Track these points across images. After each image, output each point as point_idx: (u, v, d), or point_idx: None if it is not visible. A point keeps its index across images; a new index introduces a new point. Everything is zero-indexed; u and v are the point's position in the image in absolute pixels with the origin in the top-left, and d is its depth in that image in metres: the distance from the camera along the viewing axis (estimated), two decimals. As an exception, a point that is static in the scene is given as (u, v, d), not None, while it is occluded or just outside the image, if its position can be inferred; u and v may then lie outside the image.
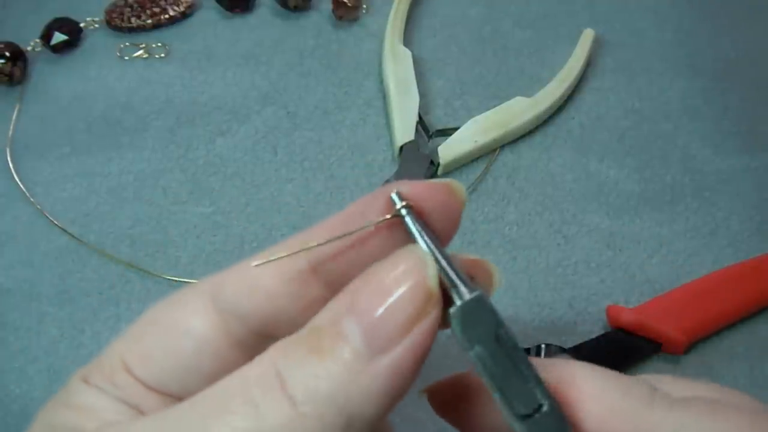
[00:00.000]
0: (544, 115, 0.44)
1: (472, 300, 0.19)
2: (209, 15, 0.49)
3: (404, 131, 0.42)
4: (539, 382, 0.19)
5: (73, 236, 0.40)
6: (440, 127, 0.44)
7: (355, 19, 0.49)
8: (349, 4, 0.47)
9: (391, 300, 0.18)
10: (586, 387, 0.20)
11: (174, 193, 0.42)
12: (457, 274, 0.20)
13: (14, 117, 0.44)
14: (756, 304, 0.38)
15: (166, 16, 0.48)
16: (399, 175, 0.41)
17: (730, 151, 0.44)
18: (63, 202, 0.41)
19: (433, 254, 0.19)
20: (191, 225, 0.40)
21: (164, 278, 0.38)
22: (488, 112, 0.43)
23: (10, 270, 0.39)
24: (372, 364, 0.18)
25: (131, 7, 0.48)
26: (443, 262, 0.20)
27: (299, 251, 0.20)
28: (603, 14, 0.49)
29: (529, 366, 0.19)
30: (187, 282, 0.38)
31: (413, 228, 0.20)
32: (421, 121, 0.43)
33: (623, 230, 0.41)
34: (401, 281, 0.18)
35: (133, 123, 0.44)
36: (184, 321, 0.21)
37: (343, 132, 0.44)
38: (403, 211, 0.20)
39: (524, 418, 0.19)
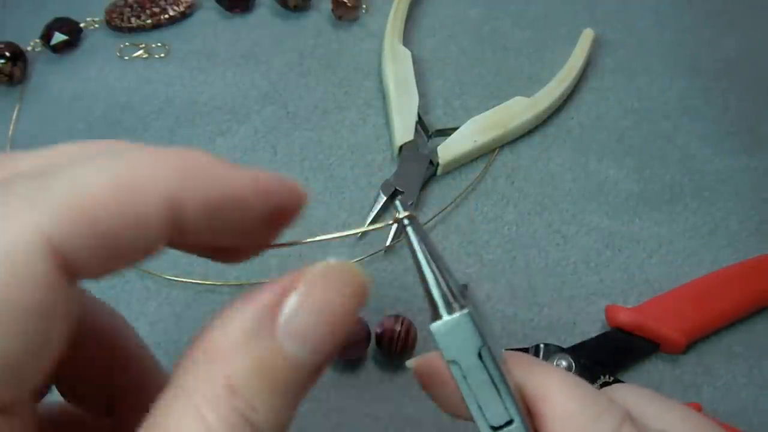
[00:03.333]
0: (544, 115, 0.44)
1: (455, 319, 0.19)
2: (209, 15, 0.49)
3: (404, 131, 0.42)
4: (513, 399, 0.20)
5: (73, 236, 0.40)
6: (440, 126, 0.44)
7: (354, 19, 0.49)
8: (348, 4, 0.48)
9: (341, 323, 0.18)
10: (560, 405, 0.20)
11: (174, 193, 0.42)
12: (447, 289, 0.20)
13: (14, 117, 0.44)
14: (754, 304, 0.38)
15: (166, 16, 0.48)
16: (399, 175, 0.41)
17: (729, 151, 0.44)
18: (63, 201, 0.41)
19: (428, 266, 0.20)
20: (191, 225, 0.40)
21: (164, 278, 0.38)
22: (487, 112, 0.43)
23: (11, 270, 0.39)
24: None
25: (131, 7, 0.48)
26: (435, 275, 0.20)
27: (292, 244, 0.20)
28: (603, 14, 0.50)
29: (506, 383, 0.20)
30: (187, 282, 0.38)
31: (413, 238, 0.20)
32: (420, 121, 0.43)
33: (622, 230, 0.41)
34: (339, 301, 0.18)
35: (133, 123, 0.44)
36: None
37: (342, 132, 0.44)
38: (406, 221, 0.20)
39: (494, 429, 0.20)
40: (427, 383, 0.23)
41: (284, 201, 0.20)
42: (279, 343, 0.17)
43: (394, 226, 0.20)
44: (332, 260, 0.18)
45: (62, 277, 0.15)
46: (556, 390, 0.20)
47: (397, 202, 0.20)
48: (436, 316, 0.20)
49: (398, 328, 0.35)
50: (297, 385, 0.17)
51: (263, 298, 0.18)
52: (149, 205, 0.16)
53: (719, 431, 0.21)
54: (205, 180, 0.18)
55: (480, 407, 0.20)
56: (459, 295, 0.20)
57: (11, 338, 0.15)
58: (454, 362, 0.20)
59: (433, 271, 0.20)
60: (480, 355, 0.20)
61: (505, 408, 0.20)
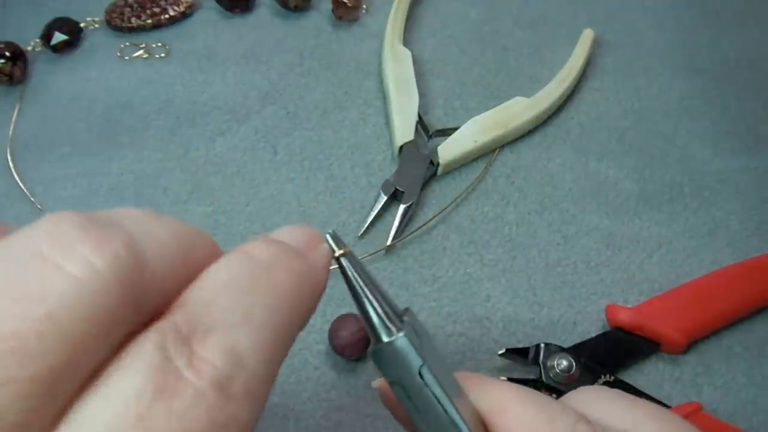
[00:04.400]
0: (544, 115, 0.44)
1: (392, 342, 0.20)
2: (209, 15, 0.49)
3: (404, 131, 0.42)
4: (458, 414, 0.20)
5: (73, 236, 0.40)
6: (440, 127, 0.44)
7: (355, 19, 0.49)
8: (349, 4, 0.48)
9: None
10: (515, 415, 0.21)
11: (174, 193, 0.42)
12: (384, 314, 0.20)
13: (14, 117, 0.44)
14: (755, 304, 0.38)
15: (166, 16, 0.48)
16: (399, 175, 0.41)
17: (729, 151, 0.44)
18: (63, 201, 0.41)
19: (364, 295, 0.21)
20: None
21: (164, 278, 0.38)
22: (488, 112, 0.43)
23: (11, 270, 0.39)
24: None
25: (131, 7, 0.48)
26: (371, 302, 0.21)
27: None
28: (602, 14, 0.50)
29: (449, 399, 0.20)
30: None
31: (349, 271, 0.21)
32: (420, 121, 0.43)
33: (622, 230, 0.41)
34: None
35: (134, 123, 0.44)
36: None
37: (343, 132, 0.44)
38: (342, 260, 0.21)
39: None
40: (389, 403, 0.23)
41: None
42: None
43: (332, 263, 0.21)
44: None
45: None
46: (511, 401, 0.21)
47: (328, 238, 0.21)
48: (375, 340, 0.20)
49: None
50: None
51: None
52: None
53: (687, 428, 0.22)
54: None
55: (427, 425, 0.21)
56: (395, 318, 0.20)
57: None
58: (396, 383, 0.20)
59: (369, 299, 0.21)
60: (421, 375, 0.20)
61: (452, 422, 0.20)
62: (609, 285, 0.39)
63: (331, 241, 0.21)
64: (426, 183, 0.42)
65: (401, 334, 0.20)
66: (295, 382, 0.36)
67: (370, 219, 0.40)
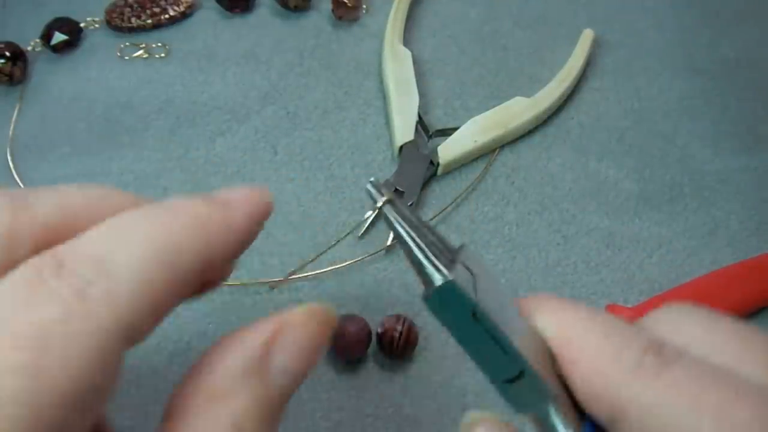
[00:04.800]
0: (544, 115, 0.44)
1: (442, 286, 0.20)
2: (209, 15, 0.49)
3: (404, 131, 0.42)
4: (518, 352, 0.19)
5: (73, 236, 0.40)
6: (440, 127, 0.44)
7: (355, 19, 0.49)
8: (349, 4, 0.48)
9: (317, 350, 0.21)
10: (578, 346, 0.19)
11: (174, 193, 0.41)
12: (431, 259, 0.20)
13: (14, 117, 0.44)
14: (755, 304, 0.38)
15: (166, 16, 0.48)
16: (399, 175, 0.41)
17: (729, 151, 0.44)
18: (63, 201, 0.41)
19: (413, 240, 0.20)
20: (191, 225, 0.40)
21: (164, 278, 0.38)
22: (488, 112, 0.43)
23: (11, 270, 0.39)
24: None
25: (131, 7, 0.48)
26: (419, 248, 0.20)
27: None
28: (602, 14, 0.50)
29: (509, 339, 0.19)
30: (187, 282, 0.38)
31: (392, 218, 0.21)
32: (420, 121, 0.43)
33: (622, 230, 0.41)
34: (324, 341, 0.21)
35: (134, 123, 0.44)
36: None
37: (343, 132, 0.44)
38: (385, 209, 0.21)
39: (505, 382, 0.20)
40: None
41: (264, 215, 0.23)
42: (272, 379, 0.19)
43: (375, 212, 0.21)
44: (311, 304, 0.21)
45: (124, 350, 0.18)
46: (577, 332, 0.20)
47: (369, 187, 0.21)
48: (426, 286, 0.20)
49: (399, 328, 0.35)
50: (281, 409, 0.20)
51: (255, 339, 0.20)
52: (192, 272, 0.19)
53: None
54: (222, 234, 0.21)
55: (484, 365, 0.20)
56: (445, 261, 0.20)
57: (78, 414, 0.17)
58: (451, 327, 0.20)
59: (414, 246, 0.20)
60: (474, 316, 0.19)
61: (513, 362, 0.19)
62: (609, 285, 0.39)
63: (372, 190, 0.21)
64: (426, 183, 0.42)
65: (450, 277, 0.19)
66: (295, 382, 0.36)
67: (370, 219, 0.40)
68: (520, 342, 0.20)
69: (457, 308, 0.20)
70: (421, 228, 0.20)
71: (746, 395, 0.17)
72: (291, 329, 0.20)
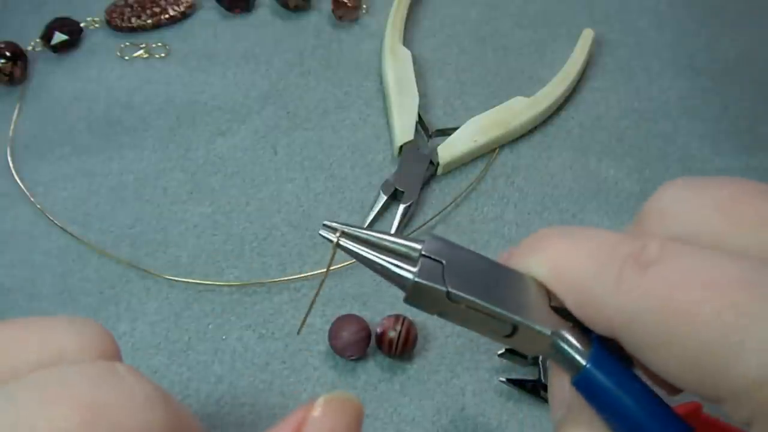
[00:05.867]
0: (544, 114, 0.44)
1: (411, 287, 0.21)
2: (209, 15, 0.49)
3: (404, 131, 0.42)
4: (504, 314, 0.21)
5: (73, 236, 0.40)
6: (440, 126, 0.44)
7: (355, 19, 0.49)
8: (349, 4, 0.48)
9: None
10: (567, 277, 0.20)
11: (174, 193, 0.42)
12: (394, 270, 0.22)
13: (14, 117, 0.44)
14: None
15: (166, 16, 0.48)
16: (399, 175, 0.41)
17: (729, 150, 0.44)
18: (63, 202, 0.41)
19: (375, 257, 0.22)
20: (191, 225, 0.40)
21: (164, 278, 0.39)
22: (488, 112, 0.43)
23: (11, 269, 0.39)
24: None
25: (131, 7, 0.48)
26: (383, 262, 0.22)
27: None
28: (603, 14, 0.50)
29: (488, 307, 0.21)
30: (187, 282, 0.38)
31: (351, 247, 0.22)
32: (420, 121, 0.43)
33: (622, 230, 0.41)
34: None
35: (134, 123, 0.44)
36: None
37: (343, 132, 0.44)
38: (340, 242, 0.22)
39: (507, 336, 0.21)
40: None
41: None
42: None
43: (332, 250, 0.23)
44: (334, 393, 0.21)
45: None
46: (565, 263, 0.20)
47: (322, 233, 0.22)
48: (403, 290, 0.22)
49: (398, 328, 0.35)
50: None
51: None
52: None
53: None
54: None
55: (483, 330, 0.22)
56: (408, 263, 0.22)
57: None
58: (439, 314, 0.22)
59: (377, 264, 0.22)
60: (450, 298, 0.21)
61: (503, 322, 0.21)
62: (609, 285, 0.39)
63: (325, 233, 0.22)
64: (426, 183, 0.42)
65: (414, 277, 0.21)
66: (295, 382, 0.36)
67: (369, 219, 0.40)
68: (505, 301, 0.21)
69: (433, 299, 0.21)
70: (380, 243, 0.22)
71: (717, 286, 0.17)
72: (316, 422, 0.20)
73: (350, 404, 0.21)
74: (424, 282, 0.21)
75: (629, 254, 0.18)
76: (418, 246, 0.22)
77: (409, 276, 0.21)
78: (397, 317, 0.36)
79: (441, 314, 0.22)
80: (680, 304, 0.17)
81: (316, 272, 0.39)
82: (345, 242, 0.22)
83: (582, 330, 0.21)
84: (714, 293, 0.17)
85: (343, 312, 0.37)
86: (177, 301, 0.38)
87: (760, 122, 0.45)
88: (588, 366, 0.20)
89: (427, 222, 0.40)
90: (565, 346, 0.21)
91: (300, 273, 0.39)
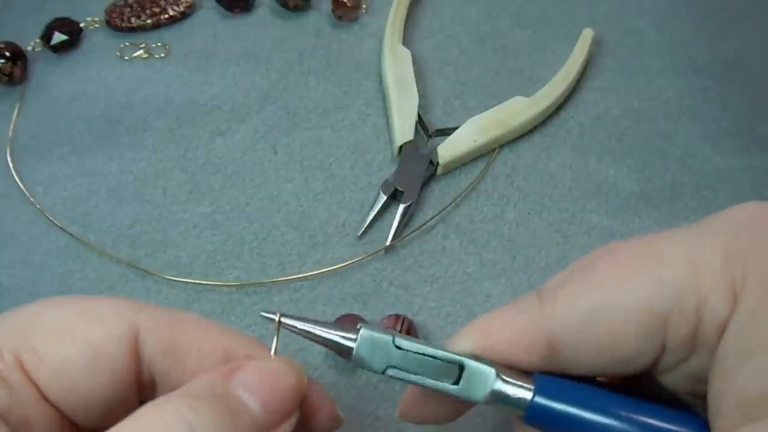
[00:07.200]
0: (544, 114, 0.44)
1: (360, 338, 0.23)
2: (209, 15, 0.49)
3: (404, 131, 0.42)
4: (450, 352, 0.23)
5: (73, 236, 0.40)
6: (440, 126, 0.44)
7: (354, 19, 0.49)
8: (348, 4, 0.48)
9: (285, 387, 0.22)
10: (493, 330, 0.24)
11: (174, 193, 0.42)
12: (340, 334, 0.24)
13: (14, 117, 0.44)
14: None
15: (166, 16, 0.48)
16: (398, 175, 0.41)
17: (729, 150, 0.44)
18: (63, 201, 0.41)
19: (319, 329, 0.24)
20: (191, 225, 0.40)
21: (164, 278, 0.39)
22: (487, 112, 0.43)
23: (11, 269, 0.39)
24: None
25: (131, 7, 0.48)
26: (325, 333, 0.24)
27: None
28: (602, 14, 0.50)
29: (435, 349, 0.23)
30: (187, 282, 0.38)
31: (295, 323, 0.24)
32: (420, 121, 0.43)
33: (622, 229, 0.41)
34: (292, 378, 0.22)
35: (133, 123, 0.44)
36: (90, 330, 0.22)
37: (342, 132, 0.44)
38: (284, 321, 0.24)
39: (457, 383, 0.23)
40: (415, 418, 0.27)
41: None
42: (233, 389, 0.21)
43: (276, 332, 0.25)
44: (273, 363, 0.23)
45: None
46: (493, 324, 0.24)
47: (264, 314, 0.24)
48: (348, 353, 0.24)
49: (398, 328, 0.35)
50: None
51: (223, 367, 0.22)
52: None
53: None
54: None
55: (435, 379, 0.23)
56: (350, 330, 0.24)
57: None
58: (387, 368, 0.23)
59: (321, 333, 0.24)
60: (397, 346, 0.23)
61: (449, 362, 0.23)
62: (609, 285, 0.39)
63: (266, 314, 0.24)
64: (426, 183, 0.42)
65: (361, 331, 0.23)
66: (294, 382, 0.36)
67: (369, 219, 0.40)
68: (447, 350, 0.23)
69: (381, 351, 0.23)
70: (317, 320, 0.24)
71: None
72: (252, 363, 0.22)
73: (285, 378, 0.22)
74: (372, 331, 0.23)
75: (535, 293, 0.24)
76: (353, 336, 0.24)
77: (355, 336, 0.23)
78: (397, 317, 0.36)
79: (389, 368, 0.23)
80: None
81: (315, 272, 0.39)
82: (288, 320, 0.24)
83: (520, 372, 0.23)
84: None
85: (343, 312, 0.37)
86: (177, 301, 0.38)
87: (760, 121, 0.45)
88: (535, 396, 0.23)
89: (427, 222, 0.40)
90: (509, 386, 0.23)
91: (299, 273, 0.39)
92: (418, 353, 0.23)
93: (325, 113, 0.45)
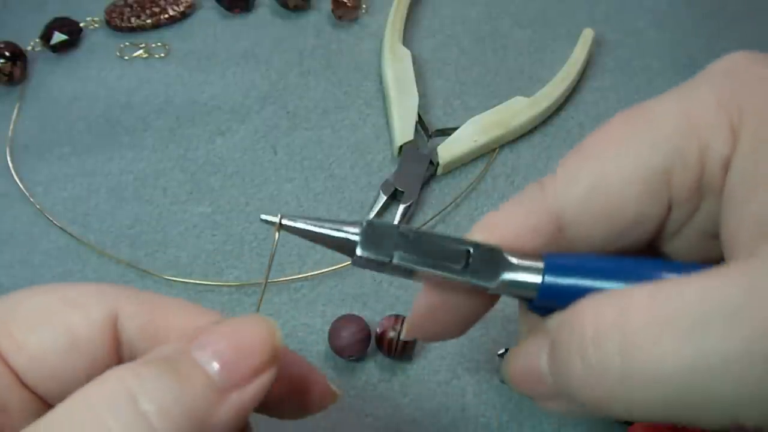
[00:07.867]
0: (544, 114, 0.44)
1: (364, 229, 0.22)
2: (209, 15, 0.49)
3: (404, 131, 0.42)
4: (458, 237, 0.22)
5: (73, 236, 0.40)
6: (440, 126, 0.44)
7: (354, 19, 0.49)
8: (348, 4, 0.48)
9: (251, 343, 0.20)
10: (499, 222, 0.23)
11: (174, 193, 0.42)
12: (343, 228, 0.22)
13: (14, 117, 0.44)
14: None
15: (166, 16, 0.48)
16: (399, 175, 0.41)
17: (729, 150, 0.44)
18: (63, 202, 0.41)
19: (321, 227, 0.22)
20: (191, 225, 0.40)
21: (164, 278, 0.38)
22: (487, 112, 0.43)
23: (10, 270, 0.39)
24: (226, 395, 0.19)
25: (131, 7, 0.48)
26: (329, 228, 0.22)
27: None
28: (602, 14, 0.50)
29: (441, 234, 0.22)
30: (187, 282, 0.38)
31: (295, 223, 0.22)
32: (420, 121, 0.43)
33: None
34: (259, 334, 0.20)
35: (133, 123, 0.44)
36: (68, 315, 0.21)
37: (342, 132, 0.44)
38: (285, 224, 0.23)
39: (464, 270, 0.22)
40: (422, 335, 0.26)
41: None
42: (191, 351, 0.19)
43: (277, 236, 0.23)
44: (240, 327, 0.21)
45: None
46: (497, 226, 0.24)
47: (263, 218, 0.23)
48: (353, 247, 0.22)
49: (398, 328, 0.35)
50: (206, 402, 0.19)
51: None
52: None
53: None
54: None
55: (444, 265, 0.22)
56: (349, 225, 0.22)
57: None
58: (394, 258, 0.22)
59: (323, 233, 0.22)
60: (402, 235, 0.22)
61: (456, 248, 0.22)
62: (609, 285, 0.39)
63: (266, 217, 0.23)
64: (426, 183, 0.42)
65: (365, 222, 0.22)
66: (294, 382, 0.36)
67: (370, 218, 0.40)
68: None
69: (386, 240, 0.22)
70: (319, 219, 0.22)
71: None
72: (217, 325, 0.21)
73: (251, 334, 0.21)
74: (375, 221, 0.22)
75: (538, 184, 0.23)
76: (356, 230, 0.22)
77: (358, 229, 0.22)
78: (396, 317, 0.36)
79: (392, 262, 0.22)
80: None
81: (315, 272, 0.39)
82: (288, 220, 0.22)
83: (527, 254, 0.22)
84: None
85: (343, 312, 0.37)
86: (177, 301, 0.38)
87: (760, 122, 0.45)
88: (546, 268, 0.22)
89: (427, 222, 0.40)
90: (518, 260, 0.22)
91: (299, 273, 0.39)
92: (424, 240, 0.22)
93: (325, 113, 0.45)
